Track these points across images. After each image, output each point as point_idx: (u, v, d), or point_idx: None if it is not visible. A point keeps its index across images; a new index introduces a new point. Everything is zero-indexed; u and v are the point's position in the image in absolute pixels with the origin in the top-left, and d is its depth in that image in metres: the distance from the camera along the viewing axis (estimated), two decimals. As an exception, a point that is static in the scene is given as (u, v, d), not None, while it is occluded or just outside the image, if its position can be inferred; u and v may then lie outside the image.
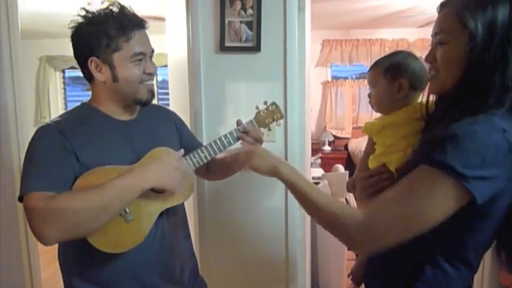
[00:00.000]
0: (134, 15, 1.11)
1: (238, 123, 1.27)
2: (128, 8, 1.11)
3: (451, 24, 0.82)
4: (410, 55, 1.16)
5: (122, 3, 1.12)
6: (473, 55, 0.78)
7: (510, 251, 0.86)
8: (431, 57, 0.88)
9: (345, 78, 5.94)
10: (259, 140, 1.25)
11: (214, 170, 1.41)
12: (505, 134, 0.74)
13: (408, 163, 0.87)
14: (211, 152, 1.21)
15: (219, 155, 1.27)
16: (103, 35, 1.06)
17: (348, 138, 5.80)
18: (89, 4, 3.35)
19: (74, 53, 1.12)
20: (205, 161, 1.21)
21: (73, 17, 1.09)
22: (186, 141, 1.35)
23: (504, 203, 0.79)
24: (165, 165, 1.06)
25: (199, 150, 1.20)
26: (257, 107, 1.30)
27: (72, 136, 1.04)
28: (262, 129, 1.29)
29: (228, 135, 1.24)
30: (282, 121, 1.33)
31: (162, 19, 2.81)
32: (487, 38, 0.77)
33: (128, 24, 1.08)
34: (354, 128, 5.81)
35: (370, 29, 5.63)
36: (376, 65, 1.18)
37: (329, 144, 5.74)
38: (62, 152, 1.02)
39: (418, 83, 1.11)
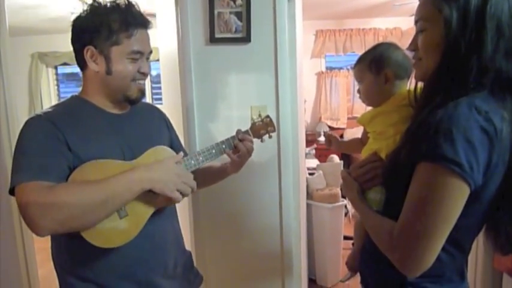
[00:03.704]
0: (140, 14, 1.11)
1: (238, 132, 1.30)
2: (135, 6, 1.11)
3: (428, 11, 0.85)
4: (391, 45, 1.18)
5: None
6: (449, 40, 0.81)
7: (497, 232, 0.88)
8: (413, 46, 0.91)
9: (340, 68, 5.92)
10: (250, 151, 1.30)
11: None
12: (488, 116, 0.75)
13: (397, 149, 0.88)
14: (209, 156, 1.23)
15: (206, 164, 1.27)
16: (105, 27, 1.06)
17: (343, 129, 5.80)
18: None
19: (72, 38, 1.11)
20: (201, 164, 1.21)
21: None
22: (174, 142, 1.34)
23: (494, 185, 0.80)
24: (167, 170, 1.05)
25: (196, 153, 1.21)
26: (252, 118, 1.37)
27: (64, 127, 1.03)
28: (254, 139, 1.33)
29: (225, 141, 1.27)
30: (274, 134, 1.39)
31: (152, 15, 2.79)
32: (461, 22, 0.79)
33: (132, 21, 1.08)
34: (349, 118, 5.80)
35: (363, 18, 5.61)
36: (360, 61, 1.21)
37: (324, 135, 5.74)
38: (55, 142, 1.00)
39: (403, 71, 1.14)
